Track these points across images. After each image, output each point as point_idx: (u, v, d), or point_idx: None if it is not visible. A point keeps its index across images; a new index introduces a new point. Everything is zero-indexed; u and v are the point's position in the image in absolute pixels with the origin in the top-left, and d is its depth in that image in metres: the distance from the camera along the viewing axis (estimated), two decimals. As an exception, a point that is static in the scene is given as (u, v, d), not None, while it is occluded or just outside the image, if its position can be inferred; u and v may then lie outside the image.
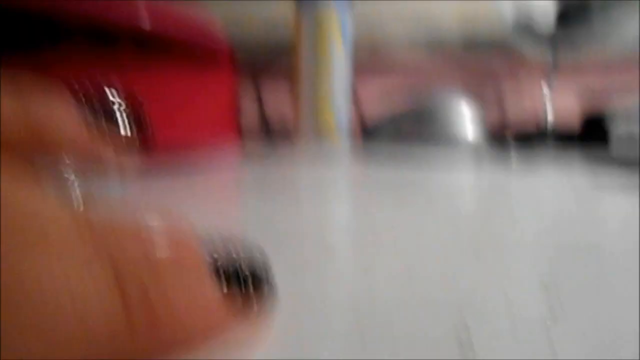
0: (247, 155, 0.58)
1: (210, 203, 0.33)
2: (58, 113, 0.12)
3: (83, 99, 0.12)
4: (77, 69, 0.40)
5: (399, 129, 0.54)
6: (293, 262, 0.20)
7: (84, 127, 0.12)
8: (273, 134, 0.67)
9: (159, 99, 0.45)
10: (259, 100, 0.68)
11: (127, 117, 0.13)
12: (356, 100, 0.63)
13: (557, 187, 0.41)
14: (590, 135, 0.49)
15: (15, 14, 0.40)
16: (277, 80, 0.71)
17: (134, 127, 0.13)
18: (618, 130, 0.40)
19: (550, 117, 0.60)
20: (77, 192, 0.11)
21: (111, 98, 0.13)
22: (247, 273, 0.11)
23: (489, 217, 0.29)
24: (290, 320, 0.14)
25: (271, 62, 0.69)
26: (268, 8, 0.75)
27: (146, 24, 0.43)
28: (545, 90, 0.61)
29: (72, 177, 0.16)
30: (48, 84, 0.12)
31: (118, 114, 0.12)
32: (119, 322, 0.09)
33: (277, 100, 0.72)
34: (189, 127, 0.47)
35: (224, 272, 0.10)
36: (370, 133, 0.58)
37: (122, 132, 0.13)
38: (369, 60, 0.75)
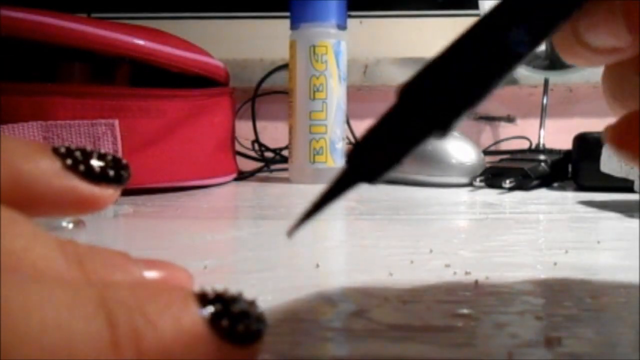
0: (242, 176, 0.58)
1: (203, 225, 0.33)
2: (41, 168, 0.12)
3: (65, 153, 0.13)
4: (74, 97, 0.41)
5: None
6: (286, 285, 0.20)
7: (66, 182, 0.13)
8: (268, 155, 0.68)
9: (153, 126, 0.45)
10: (254, 122, 0.68)
11: (109, 169, 0.13)
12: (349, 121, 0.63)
13: (550, 207, 0.41)
14: (582, 152, 0.49)
15: (14, 43, 0.40)
16: (272, 100, 0.71)
17: (115, 177, 0.13)
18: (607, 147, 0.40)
19: (542, 136, 0.60)
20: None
21: (93, 154, 0.13)
22: (234, 302, 0.11)
23: (484, 239, 0.29)
24: (282, 344, 0.14)
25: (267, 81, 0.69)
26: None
27: (143, 51, 0.44)
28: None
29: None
30: (30, 141, 0.13)
31: (99, 170, 0.13)
32: (106, 350, 0.09)
33: (272, 122, 0.73)
34: (186, 154, 0.47)
35: (211, 301, 0.10)
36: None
37: (104, 183, 0.13)
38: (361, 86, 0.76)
